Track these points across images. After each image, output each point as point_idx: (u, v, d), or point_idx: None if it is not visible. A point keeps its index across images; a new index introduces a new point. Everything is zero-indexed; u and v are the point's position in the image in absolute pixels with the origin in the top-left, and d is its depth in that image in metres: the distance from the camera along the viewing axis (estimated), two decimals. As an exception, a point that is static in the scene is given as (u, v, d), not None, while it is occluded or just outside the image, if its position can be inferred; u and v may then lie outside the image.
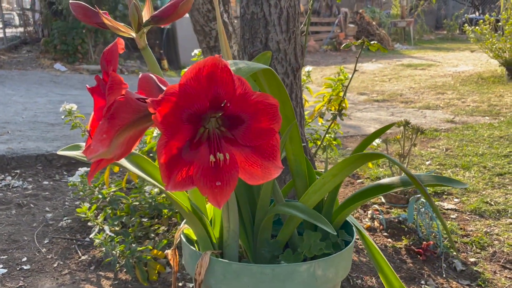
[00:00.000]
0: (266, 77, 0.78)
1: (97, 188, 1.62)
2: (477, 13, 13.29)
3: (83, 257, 1.45)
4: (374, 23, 10.19)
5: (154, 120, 0.55)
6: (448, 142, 2.85)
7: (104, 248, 1.29)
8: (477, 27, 5.36)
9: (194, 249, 0.85)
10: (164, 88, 0.70)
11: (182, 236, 0.90)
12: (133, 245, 1.37)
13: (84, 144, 0.83)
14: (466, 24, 5.66)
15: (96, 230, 1.32)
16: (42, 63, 6.11)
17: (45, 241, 1.56)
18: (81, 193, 1.65)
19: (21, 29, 8.82)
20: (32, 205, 1.83)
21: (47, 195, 1.94)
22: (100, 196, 1.57)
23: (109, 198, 1.57)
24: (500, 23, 5.32)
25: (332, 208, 0.94)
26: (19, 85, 4.80)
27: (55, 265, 1.41)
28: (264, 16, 1.12)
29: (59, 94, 4.38)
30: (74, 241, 1.56)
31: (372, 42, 1.44)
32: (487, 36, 5.31)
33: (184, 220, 0.96)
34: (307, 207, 0.82)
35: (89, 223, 1.51)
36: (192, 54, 1.93)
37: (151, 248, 1.36)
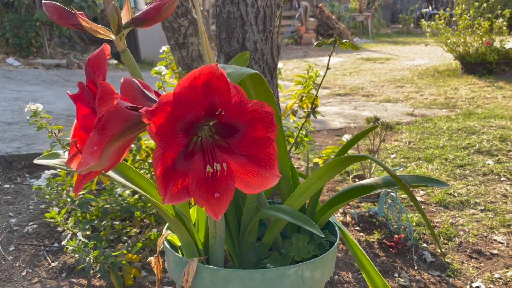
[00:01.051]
0: (252, 81, 0.77)
1: (65, 191, 1.56)
2: (430, 8, 13.74)
3: (53, 264, 1.40)
4: (333, 17, 10.34)
5: (149, 131, 0.53)
6: (410, 135, 2.93)
7: (76, 254, 1.25)
8: (432, 22, 5.54)
9: (180, 256, 0.83)
10: (149, 94, 0.68)
11: (165, 242, 0.88)
12: (107, 249, 1.33)
13: (61, 151, 0.79)
14: (422, 19, 5.83)
15: (69, 236, 1.27)
16: (-8, 58, 5.81)
17: (11, 248, 1.49)
18: (47, 196, 1.58)
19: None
20: (-7, 211, 1.74)
21: (9, 199, 1.85)
22: (68, 199, 1.51)
23: (78, 201, 1.52)
24: (454, 18, 5.52)
25: (315, 209, 0.94)
26: (-31, 81, 4.55)
27: (23, 273, 1.35)
28: (241, 15, 1.11)
29: (14, 91, 4.18)
30: (42, 247, 1.50)
31: (344, 41, 1.46)
32: (442, 31, 5.50)
33: (166, 226, 0.94)
34: (294, 210, 0.82)
35: (58, 228, 1.45)
36: (160, 51, 1.88)
37: (126, 252, 1.33)
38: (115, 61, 6.44)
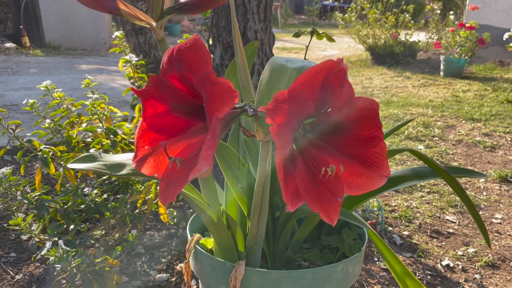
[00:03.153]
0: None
1: (19, 192, 1.38)
2: (330, 0, 14.41)
3: (17, 277, 1.23)
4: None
5: (272, 132, 0.48)
6: (345, 123, 3.07)
7: (45, 264, 1.12)
8: (346, 15, 5.83)
9: (222, 260, 0.78)
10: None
11: (197, 247, 0.82)
12: (84, 256, 1.21)
13: (97, 153, 0.69)
14: (336, 12, 6.10)
15: (48, 244, 1.12)
16: None
17: (-43, 263, 1.28)
18: (-7, 200, 1.39)
19: None
20: None
21: None
22: (25, 201, 1.34)
23: (35, 203, 1.35)
24: (364, 12, 5.86)
25: (338, 202, 0.94)
26: None
27: (-17, 291, 1.17)
28: (243, 3, 1.06)
29: None
30: (-3, 258, 1.31)
31: (321, 32, 1.46)
32: (354, 23, 5.81)
33: (188, 227, 0.88)
34: (335, 206, 0.81)
35: (22, 236, 1.28)
36: (113, 36, 1.73)
37: (108, 258, 1.22)
38: (14, 45, 5.82)
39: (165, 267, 1.32)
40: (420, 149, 2.53)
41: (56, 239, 1.22)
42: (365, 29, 5.76)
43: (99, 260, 1.18)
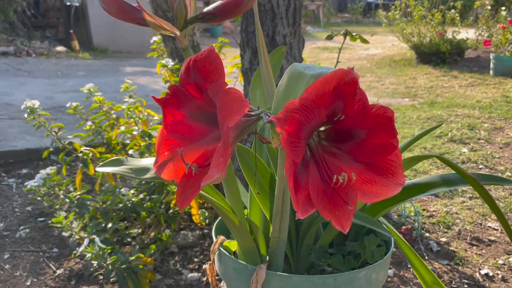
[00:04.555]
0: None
1: (61, 192, 1.46)
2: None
3: (58, 271, 1.30)
4: (286, 5, 10.36)
5: (282, 141, 0.49)
6: (385, 125, 3.01)
7: (94, 261, 1.17)
8: (389, 13, 5.70)
9: (244, 263, 0.80)
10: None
11: (221, 249, 0.84)
12: (119, 254, 1.26)
13: (124, 158, 0.72)
14: (380, 10, 5.98)
15: (85, 242, 1.18)
16: None
17: (6, 256, 1.37)
18: (39, 198, 1.47)
19: None
20: (-26, 215, 1.60)
21: (-11, 201, 1.71)
22: (67, 200, 1.41)
23: (76, 202, 1.42)
24: (409, 9, 5.70)
25: (363, 209, 0.94)
26: None
27: (28, 283, 1.25)
28: (272, 8, 1.07)
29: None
30: (41, 253, 1.39)
31: (355, 34, 1.45)
32: (398, 21, 5.67)
33: (214, 227, 0.90)
34: (359, 212, 0.80)
35: (56, 233, 1.35)
36: (151, 41, 1.79)
37: (142, 256, 1.26)
38: (65, 48, 6.11)
39: (197, 267, 1.35)
40: (464, 152, 2.44)
41: (95, 236, 1.28)
42: (409, 27, 5.60)
43: (133, 258, 1.22)
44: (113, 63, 5.33)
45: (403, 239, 0.95)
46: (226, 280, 0.85)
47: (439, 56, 5.41)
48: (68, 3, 6.70)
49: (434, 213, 1.76)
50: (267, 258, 0.84)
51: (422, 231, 1.61)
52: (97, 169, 0.71)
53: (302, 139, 0.52)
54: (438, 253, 1.49)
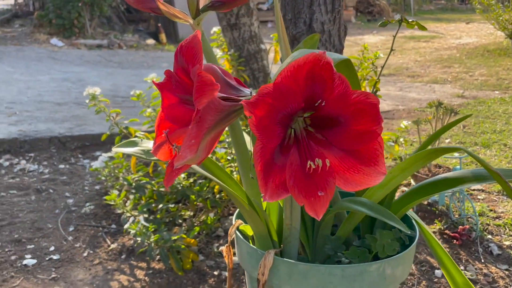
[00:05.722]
0: (338, 65, 0.72)
1: (121, 174, 1.57)
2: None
3: (112, 246, 1.41)
4: (374, -7, 9.99)
5: (250, 124, 0.50)
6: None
7: (138, 238, 1.26)
8: (484, -2, 5.26)
9: (254, 247, 0.81)
10: (230, 81, 0.65)
11: (237, 232, 0.86)
12: (165, 233, 1.33)
13: (139, 140, 0.77)
14: (473, -5, 5.54)
15: (131, 219, 1.28)
16: (37, 38, 5.94)
17: (70, 229, 1.52)
18: (103, 178, 1.60)
19: (10, 1, 8.54)
20: (51, 190, 1.78)
21: (65, 179, 1.89)
22: (125, 182, 1.52)
23: (134, 184, 1.53)
24: (507, -6, 5.21)
25: (391, 202, 0.90)
26: (18, 62, 4.66)
27: (85, 254, 1.37)
28: (309, -5, 1.06)
29: (61, 72, 4.26)
30: (101, 228, 1.52)
31: (411, 20, 1.37)
32: (493, 7, 5.21)
33: (236, 214, 0.92)
34: (374, 204, 0.77)
35: (117, 211, 1.46)
36: (211, 32, 1.85)
37: (184, 236, 1.33)
38: (153, 41, 6.47)
39: (238, 251, 1.38)
40: (551, 150, 2.21)
41: (144, 215, 1.36)
42: (507, 13, 5.13)
43: (175, 237, 1.29)
44: (195, 55, 5.55)
45: (434, 236, 0.90)
46: (241, 262, 0.87)
47: (541, 44, 4.89)
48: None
49: (501, 214, 1.62)
50: (281, 246, 0.84)
51: (484, 233, 1.49)
52: (113, 149, 0.77)
53: (277, 124, 0.52)
54: (498, 257, 1.38)
